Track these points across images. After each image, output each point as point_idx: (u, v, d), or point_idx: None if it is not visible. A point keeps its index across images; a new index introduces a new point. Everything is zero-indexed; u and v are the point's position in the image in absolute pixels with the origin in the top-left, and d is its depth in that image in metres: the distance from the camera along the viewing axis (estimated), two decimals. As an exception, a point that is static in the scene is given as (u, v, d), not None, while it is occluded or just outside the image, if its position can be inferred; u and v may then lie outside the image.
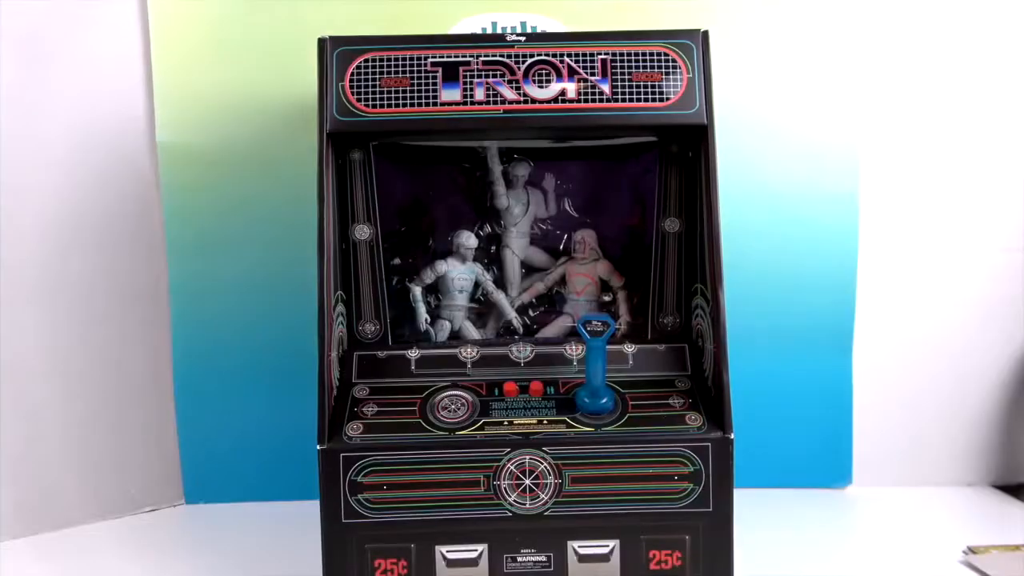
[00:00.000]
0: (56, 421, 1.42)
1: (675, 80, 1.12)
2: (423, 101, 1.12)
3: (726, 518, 1.07)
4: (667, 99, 1.12)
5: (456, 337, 1.27)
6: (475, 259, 1.28)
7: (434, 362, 1.19)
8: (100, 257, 1.44)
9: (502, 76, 1.12)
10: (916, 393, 1.57)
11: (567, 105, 1.12)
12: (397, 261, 1.27)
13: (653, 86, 1.12)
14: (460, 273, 1.27)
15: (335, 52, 1.12)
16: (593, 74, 1.13)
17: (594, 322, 1.09)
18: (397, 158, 1.24)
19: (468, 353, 1.19)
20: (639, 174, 1.26)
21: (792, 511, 1.47)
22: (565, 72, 1.13)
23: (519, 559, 1.08)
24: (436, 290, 1.28)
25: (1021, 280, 1.55)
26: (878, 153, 1.52)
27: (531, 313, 1.30)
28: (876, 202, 1.53)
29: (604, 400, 1.10)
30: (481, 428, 1.09)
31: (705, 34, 1.14)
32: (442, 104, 1.12)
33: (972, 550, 1.26)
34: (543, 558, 1.08)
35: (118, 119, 1.45)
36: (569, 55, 1.13)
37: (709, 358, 1.14)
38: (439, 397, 1.14)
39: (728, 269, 1.11)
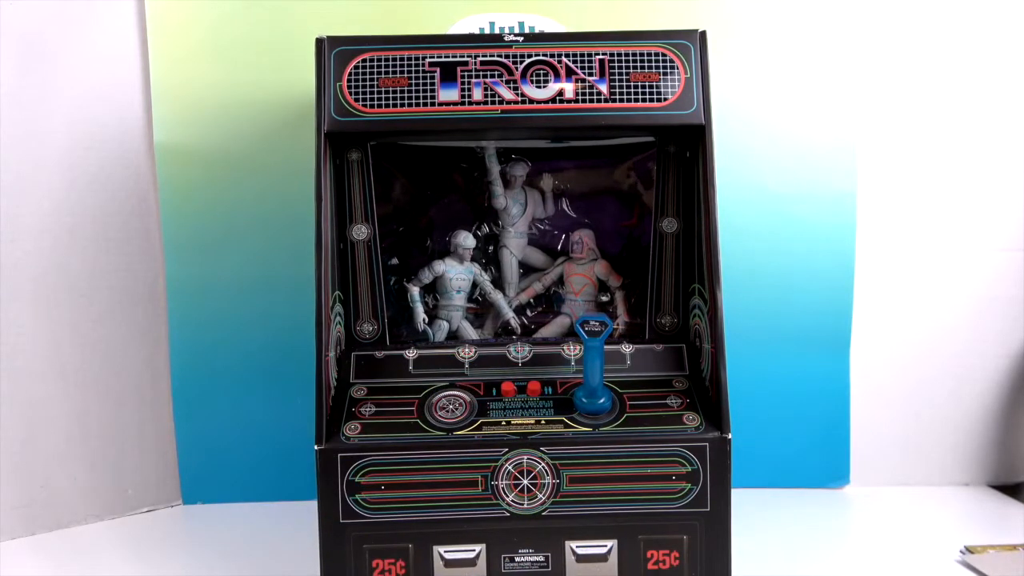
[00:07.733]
0: (54, 421, 1.42)
1: (673, 80, 1.12)
2: (421, 101, 1.12)
3: (724, 518, 1.07)
4: (665, 99, 1.12)
5: (454, 337, 1.27)
6: (473, 259, 1.28)
7: (432, 362, 1.18)
8: (98, 257, 1.44)
9: (500, 76, 1.12)
10: (913, 393, 1.58)
11: (565, 105, 1.12)
12: (395, 261, 1.27)
13: (651, 86, 1.12)
14: (458, 273, 1.27)
15: (333, 52, 1.12)
16: (591, 74, 1.13)
17: (592, 322, 1.09)
18: (395, 158, 1.24)
19: (466, 353, 1.19)
20: (637, 174, 1.27)
21: (790, 511, 1.47)
22: (563, 72, 1.13)
23: (517, 559, 1.08)
24: (434, 290, 1.28)
25: (1019, 280, 1.55)
26: (876, 153, 1.52)
27: (529, 313, 1.30)
28: (874, 202, 1.53)
29: (602, 400, 1.10)
30: (479, 428, 1.09)
31: (703, 34, 1.14)
32: (440, 104, 1.12)
33: (969, 550, 1.26)
34: (541, 558, 1.08)
35: (116, 119, 1.44)
36: (567, 55, 1.13)
37: (707, 358, 1.14)
38: (437, 397, 1.13)
39: (726, 269, 1.11)
